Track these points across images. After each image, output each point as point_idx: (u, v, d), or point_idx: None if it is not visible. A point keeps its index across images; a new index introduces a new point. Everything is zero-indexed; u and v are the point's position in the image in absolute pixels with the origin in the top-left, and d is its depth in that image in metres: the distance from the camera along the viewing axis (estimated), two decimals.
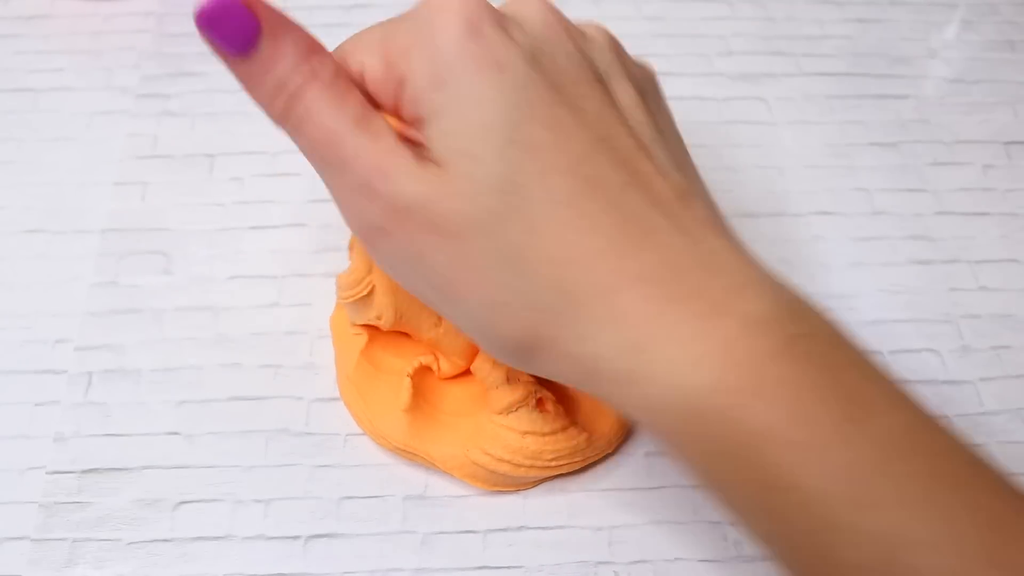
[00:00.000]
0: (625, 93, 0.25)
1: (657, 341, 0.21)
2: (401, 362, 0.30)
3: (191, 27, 0.38)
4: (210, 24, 0.23)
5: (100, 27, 0.42)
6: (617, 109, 0.24)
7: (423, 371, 0.30)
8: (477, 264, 0.22)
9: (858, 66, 0.42)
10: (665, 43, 0.42)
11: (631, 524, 0.30)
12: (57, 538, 0.29)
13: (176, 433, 0.31)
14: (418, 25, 0.23)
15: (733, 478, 0.22)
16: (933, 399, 0.32)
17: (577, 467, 0.30)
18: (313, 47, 0.24)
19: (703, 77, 0.41)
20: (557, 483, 0.30)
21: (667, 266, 0.22)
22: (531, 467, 0.29)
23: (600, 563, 0.29)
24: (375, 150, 0.23)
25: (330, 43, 0.41)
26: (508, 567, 0.29)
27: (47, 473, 0.30)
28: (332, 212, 0.36)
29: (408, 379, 0.29)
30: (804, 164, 0.38)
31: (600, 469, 0.31)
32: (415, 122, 0.23)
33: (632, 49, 0.42)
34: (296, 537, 0.29)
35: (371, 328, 0.31)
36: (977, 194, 0.38)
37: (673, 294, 0.21)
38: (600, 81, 0.24)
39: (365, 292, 0.29)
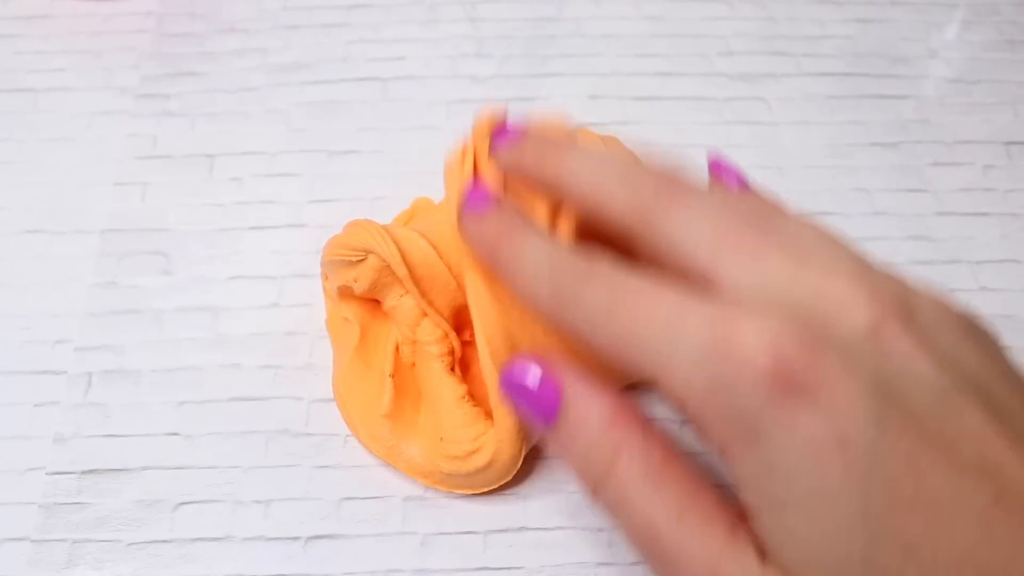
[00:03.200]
0: (1006, 399, 0.19)
1: None
2: (390, 365, 0.30)
3: (191, 27, 0.39)
4: (515, 392, 0.23)
5: (100, 27, 0.42)
6: (1004, 436, 0.18)
7: (404, 368, 0.30)
8: None
9: (858, 66, 0.42)
10: (665, 43, 0.42)
11: None
12: (57, 539, 0.29)
13: (176, 434, 0.31)
14: (715, 374, 0.19)
15: None
16: None
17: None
18: (620, 413, 0.22)
19: (703, 77, 0.41)
20: (557, 484, 0.30)
21: None
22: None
23: (600, 564, 0.29)
24: (705, 548, 0.20)
25: (330, 43, 0.42)
26: (508, 568, 0.29)
27: (47, 474, 0.30)
28: (332, 212, 0.36)
29: (390, 379, 0.30)
30: (804, 164, 0.38)
31: None
32: (744, 499, 0.20)
33: (632, 49, 0.42)
34: (296, 538, 0.29)
35: (363, 314, 0.31)
36: (977, 194, 0.38)
37: None
38: (972, 398, 0.19)
39: (354, 259, 0.29)
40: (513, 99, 0.40)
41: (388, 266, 0.29)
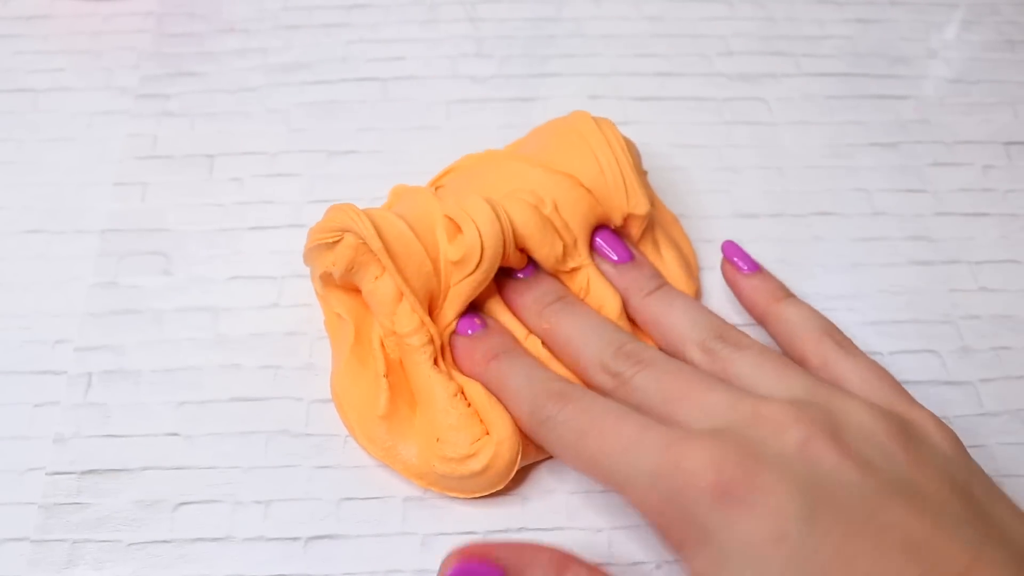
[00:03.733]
0: (934, 492, 0.23)
1: None
2: (383, 364, 0.30)
3: (191, 27, 0.39)
4: None
5: (100, 27, 0.42)
6: (929, 521, 0.22)
7: (398, 367, 0.30)
8: None
9: (858, 66, 0.42)
10: (665, 43, 0.42)
11: (631, 525, 0.30)
12: (57, 539, 0.29)
13: (176, 434, 0.31)
14: (666, 492, 0.24)
15: None
16: (933, 400, 0.32)
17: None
18: (563, 564, 0.25)
19: (703, 77, 0.41)
20: (557, 484, 0.30)
21: None
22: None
23: (600, 564, 0.29)
24: None
25: (330, 43, 0.42)
26: None
27: (47, 474, 0.30)
28: None
29: (384, 380, 0.30)
30: (804, 164, 0.38)
31: None
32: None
33: (632, 49, 0.42)
34: (296, 538, 0.29)
35: (356, 310, 0.31)
36: (977, 195, 0.38)
37: None
38: (896, 494, 0.22)
39: (331, 240, 0.30)
40: (513, 99, 0.40)
41: (364, 243, 0.29)
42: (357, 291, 0.31)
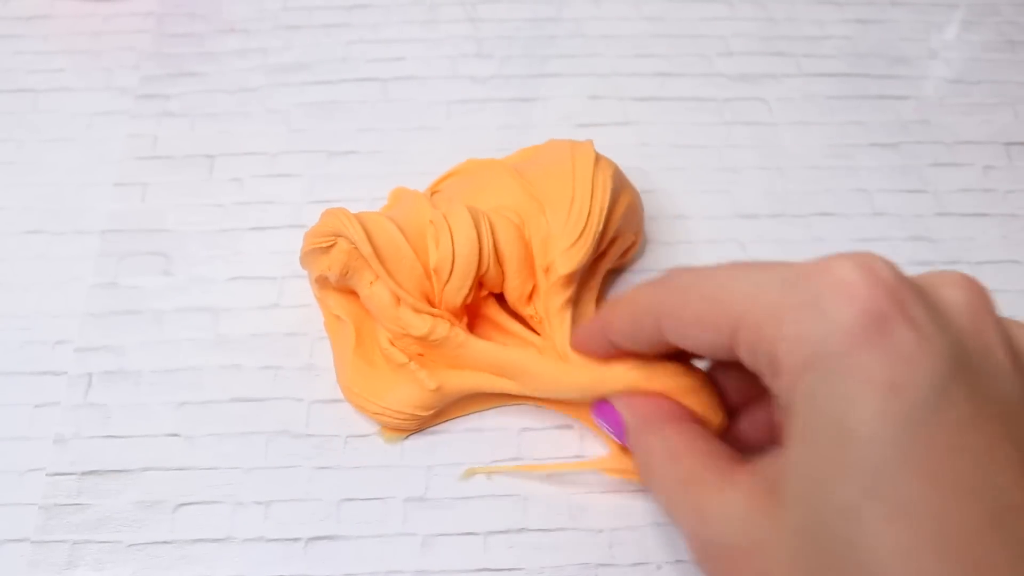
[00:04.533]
0: None
1: None
2: (399, 354, 0.30)
3: (191, 27, 0.39)
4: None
5: (100, 27, 0.42)
6: None
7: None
8: None
9: (858, 66, 0.42)
10: (665, 43, 0.42)
11: (632, 526, 0.30)
12: (57, 540, 0.29)
13: (176, 435, 0.31)
14: (799, 299, 0.19)
15: None
16: None
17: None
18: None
19: (703, 77, 0.41)
20: (558, 485, 0.30)
21: None
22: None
23: (601, 565, 0.29)
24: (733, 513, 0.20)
25: (330, 43, 0.42)
26: (509, 569, 0.29)
27: (47, 475, 0.30)
28: None
29: (413, 363, 0.30)
30: (804, 164, 0.38)
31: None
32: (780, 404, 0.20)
33: (632, 49, 0.42)
34: (296, 539, 0.29)
35: (355, 311, 0.32)
36: (977, 195, 0.38)
37: None
38: None
39: (325, 244, 0.30)
40: (513, 99, 0.40)
41: (356, 248, 0.29)
42: (355, 293, 0.31)
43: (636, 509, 0.30)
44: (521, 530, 0.30)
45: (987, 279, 0.35)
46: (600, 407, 0.28)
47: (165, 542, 0.29)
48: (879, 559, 0.17)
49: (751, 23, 0.43)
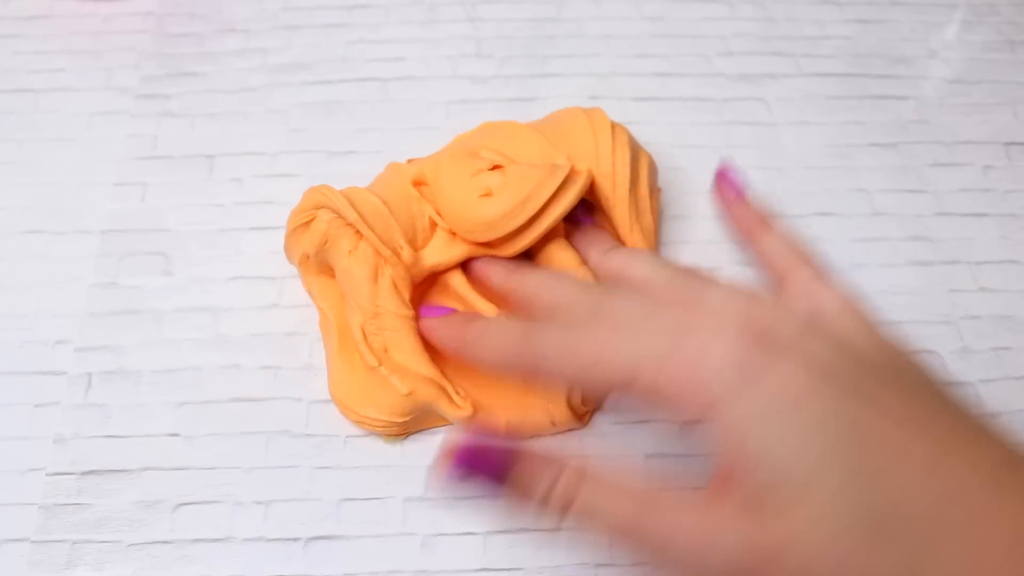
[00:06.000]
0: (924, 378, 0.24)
1: None
2: (371, 356, 0.30)
3: (191, 27, 0.39)
4: (469, 466, 0.24)
5: (100, 27, 0.42)
6: (947, 400, 0.23)
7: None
8: None
9: (858, 66, 0.42)
10: (665, 43, 0.42)
11: None
12: (57, 540, 0.29)
13: (176, 434, 0.31)
14: (682, 359, 0.23)
15: None
16: None
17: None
18: (565, 456, 0.24)
19: (703, 77, 0.41)
20: None
21: None
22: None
23: (600, 565, 0.29)
24: (688, 514, 0.22)
25: (330, 43, 0.42)
26: (509, 569, 0.29)
27: (47, 475, 0.30)
28: None
29: (383, 368, 0.30)
30: (804, 165, 0.38)
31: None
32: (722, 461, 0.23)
33: (632, 49, 0.42)
34: (296, 539, 0.29)
35: (334, 301, 0.32)
36: (977, 195, 0.38)
37: None
38: (897, 360, 0.24)
39: (306, 220, 0.31)
40: (513, 99, 0.40)
41: (337, 217, 0.30)
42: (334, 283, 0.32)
43: None
44: (521, 530, 0.30)
45: (987, 279, 0.35)
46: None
47: (165, 542, 0.29)
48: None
49: (751, 23, 0.43)
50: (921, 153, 0.39)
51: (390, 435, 0.31)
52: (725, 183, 0.35)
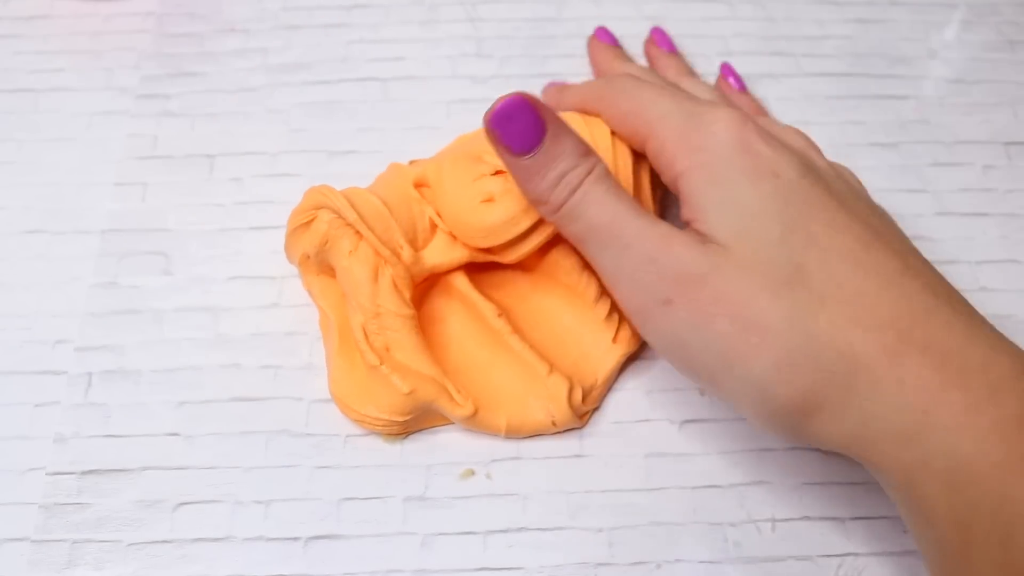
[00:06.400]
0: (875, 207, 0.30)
1: (941, 407, 0.23)
2: (372, 355, 0.30)
3: (191, 27, 0.39)
4: (499, 124, 0.27)
5: (100, 27, 0.42)
6: (881, 216, 0.29)
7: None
8: (767, 328, 0.25)
9: (858, 66, 0.42)
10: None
11: (631, 525, 0.30)
12: (57, 539, 0.29)
13: (176, 434, 0.31)
14: (693, 127, 0.28)
15: (982, 553, 0.22)
16: None
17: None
18: (588, 149, 0.28)
19: (703, 77, 0.41)
20: (557, 484, 0.30)
21: (952, 340, 0.24)
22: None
23: (600, 564, 0.29)
24: (657, 231, 0.27)
25: (330, 43, 0.42)
26: (508, 568, 0.29)
27: (47, 474, 0.30)
28: None
29: (384, 367, 0.30)
30: None
31: (600, 471, 0.31)
32: (688, 212, 0.27)
33: (632, 49, 0.42)
34: (296, 538, 0.29)
35: (335, 301, 0.32)
36: (977, 195, 0.38)
37: (957, 366, 0.23)
38: (855, 191, 0.29)
39: (307, 220, 0.31)
40: None
41: (337, 217, 0.30)
42: (334, 282, 0.32)
43: (635, 508, 0.30)
44: (520, 529, 0.30)
45: (987, 279, 0.35)
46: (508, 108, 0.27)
47: (165, 541, 0.29)
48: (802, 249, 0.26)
49: (751, 23, 0.43)
50: (921, 153, 0.39)
51: (390, 434, 0.31)
52: (728, 75, 0.40)
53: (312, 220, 0.31)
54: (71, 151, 0.38)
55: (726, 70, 0.40)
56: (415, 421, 0.31)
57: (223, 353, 0.33)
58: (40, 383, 0.32)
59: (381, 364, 0.30)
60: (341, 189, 0.31)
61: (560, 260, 0.32)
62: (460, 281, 0.32)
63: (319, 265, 0.32)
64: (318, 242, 0.31)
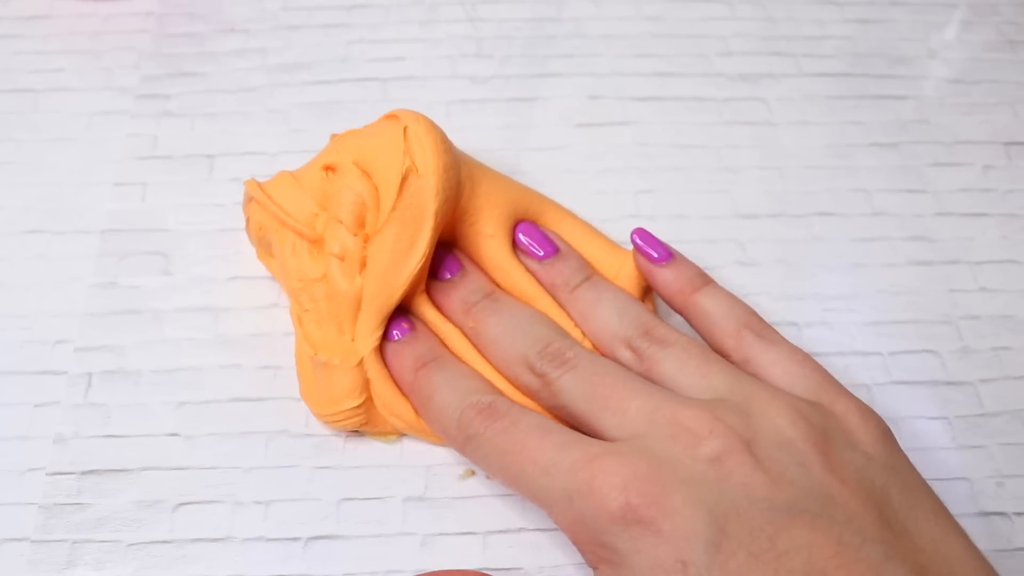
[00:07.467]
0: (847, 501, 0.23)
1: None
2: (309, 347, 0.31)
3: (191, 27, 0.39)
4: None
5: (100, 27, 0.42)
6: (831, 547, 0.22)
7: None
8: None
9: (858, 66, 0.42)
10: (665, 43, 0.42)
11: None
12: (57, 539, 0.29)
13: (176, 434, 0.31)
14: (579, 505, 0.24)
15: None
16: (933, 400, 0.32)
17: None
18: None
19: (703, 77, 0.41)
20: None
21: None
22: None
23: None
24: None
25: (330, 43, 0.42)
26: (508, 569, 0.29)
27: (47, 474, 0.30)
28: None
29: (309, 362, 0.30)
30: (804, 165, 0.38)
31: None
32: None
33: (632, 49, 0.42)
34: (296, 539, 0.29)
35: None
36: (977, 195, 0.38)
37: None
38: (804, 514, 0.23)
39: (247, 216, 0.33)
40: (513, 99, 0.40)
41: (262, 208, 0.32)
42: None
43: None
44: (520, 529, 0.30)
45: (987, 279, 0.35)
46: None
47: (165, 542, 0.29)
48: None
49: (751, 23, 0.43)
50: (921, 153, 0.39)
51: (356, 426, 0.31)
52: (648, 246, 0.31)
53: (250, 216, 0.33)
54: (71, 151, 0.38)
55: (639, 239, 0.31)
56: (373, 405, 0.30)
57: (223, 353, 0.33)
58: (40, 383, 0.32)
59: (316, 354, 0.30)
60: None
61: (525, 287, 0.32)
62: (425, 308, 0.31)
63: (260, 245, 0.34)
64: (256, 233, 0.33)
